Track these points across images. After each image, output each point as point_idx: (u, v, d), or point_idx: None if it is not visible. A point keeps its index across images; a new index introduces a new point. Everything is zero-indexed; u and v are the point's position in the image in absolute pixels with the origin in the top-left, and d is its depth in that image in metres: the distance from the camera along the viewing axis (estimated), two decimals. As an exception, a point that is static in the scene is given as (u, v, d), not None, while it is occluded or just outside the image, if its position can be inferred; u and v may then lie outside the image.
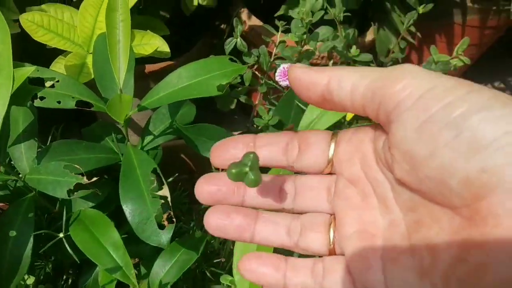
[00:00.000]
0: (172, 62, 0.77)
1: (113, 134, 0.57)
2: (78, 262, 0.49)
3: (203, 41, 0.86)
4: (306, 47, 0.62)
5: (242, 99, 0.67)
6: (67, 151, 0.52)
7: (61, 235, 0.50)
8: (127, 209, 0.47)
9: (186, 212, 0.67)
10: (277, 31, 0.67)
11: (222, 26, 1.05)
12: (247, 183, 0.25)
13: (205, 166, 0.74)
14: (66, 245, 0.49)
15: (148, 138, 0.59)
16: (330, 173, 0.28)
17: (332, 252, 0.26)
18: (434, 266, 0.21)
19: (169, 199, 0.48)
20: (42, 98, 0.49)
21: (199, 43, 0.84)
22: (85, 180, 0.47)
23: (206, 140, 0.56)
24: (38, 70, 0.50)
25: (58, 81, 0.50)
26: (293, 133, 0.28)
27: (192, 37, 0.87)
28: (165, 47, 0.68)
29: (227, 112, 0.73)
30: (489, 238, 0.19)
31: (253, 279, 0.26)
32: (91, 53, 0.64)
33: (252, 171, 0.25)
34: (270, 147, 0.27)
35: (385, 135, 0.24)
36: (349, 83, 0.23)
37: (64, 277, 0.61)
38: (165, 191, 0.48)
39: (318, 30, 0.60)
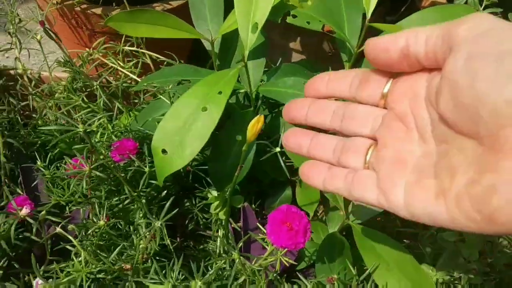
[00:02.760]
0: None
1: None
2: (289, 177, 0.51)
3: None
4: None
5: None
6: (294, 73, 0.55)
7: (277, 149, 0.52)
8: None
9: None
10: None
11: None
12: None
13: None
14: (280, 160, 0.51)
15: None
16: (384, 108, 0.32)
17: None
18: (450, 187, 0.24)
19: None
20: (294, 16, 0.51)
21: None
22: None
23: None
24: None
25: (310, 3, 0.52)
26: (360, 70, 0.33)
27: None
28: None
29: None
30: (503, 163, 0.21)
31: (306, 179, 0.35)
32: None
33: None
34: (340, 81, 0.33)
35: (441, 73, 0.26)
36: (424, 36, 0.26)
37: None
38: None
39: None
